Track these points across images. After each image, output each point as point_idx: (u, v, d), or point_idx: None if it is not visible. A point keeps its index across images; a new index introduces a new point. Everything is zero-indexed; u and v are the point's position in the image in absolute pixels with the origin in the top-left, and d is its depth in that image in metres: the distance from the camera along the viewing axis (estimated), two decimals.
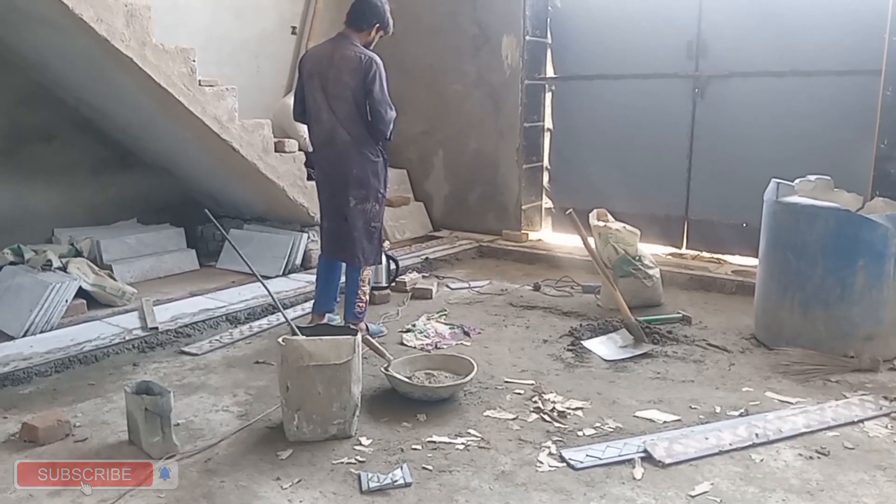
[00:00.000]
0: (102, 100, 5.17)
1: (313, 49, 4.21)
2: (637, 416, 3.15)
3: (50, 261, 4.46)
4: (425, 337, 4.20)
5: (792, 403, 3.26)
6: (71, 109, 5.41)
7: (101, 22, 4.04)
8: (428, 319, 4.51)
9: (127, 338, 3.98)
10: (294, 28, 6.67)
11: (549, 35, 6.49)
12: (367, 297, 4.14)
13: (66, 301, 4.19)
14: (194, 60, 4.60)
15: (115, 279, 4.71)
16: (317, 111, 3.95)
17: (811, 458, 2.78)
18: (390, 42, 7.02)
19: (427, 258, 5.91)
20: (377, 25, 3.98)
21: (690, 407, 3.24)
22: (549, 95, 6.60)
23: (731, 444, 2.85)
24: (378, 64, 3.86)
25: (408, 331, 4.30)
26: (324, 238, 4.19)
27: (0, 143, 5.11)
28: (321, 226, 4.22)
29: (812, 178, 4.14)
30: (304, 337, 3.05)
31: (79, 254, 4.91)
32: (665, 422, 3.09)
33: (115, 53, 4.19)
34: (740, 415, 3.14)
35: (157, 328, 4.12)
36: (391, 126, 3.95)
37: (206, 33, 5.87)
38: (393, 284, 5.06)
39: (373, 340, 3.63)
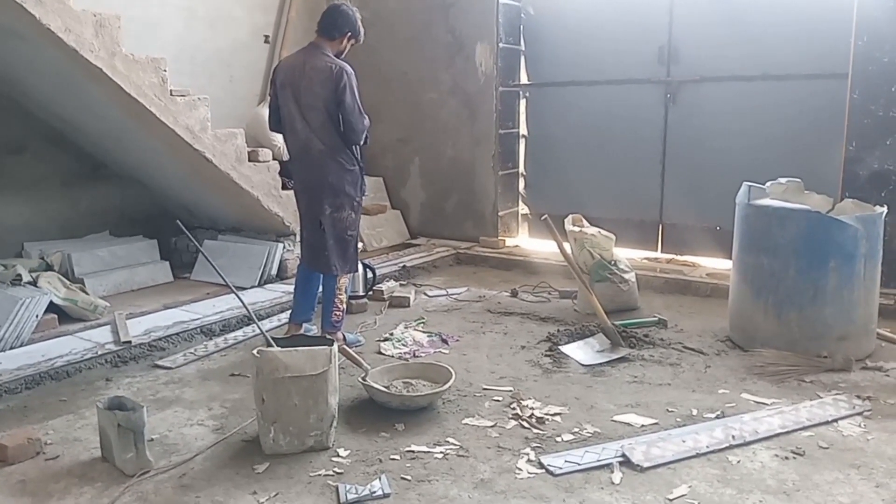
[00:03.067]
0: (73, 111, 5.11)
1: (286, 59, 4.20)
2: (615, 421, 3.16)
3: (20, 275, 4.39)
4: (403, 345, 4.19)
5: (767, 404, 3.29)
6: (41, 122, 5.33)
7: (69, 32, 3.99)
8: (406, 328, 4.49)
9: (99, 352, 3.92)
10: (267, 37, 6.64)
11: (522, 42, 6.53)
12: (345, 305, 4.12)
13: (37, 316, 4.12)
14: (165, 70, 4.56)
15: (87, 293, 4.64)
16: (291, 121, 3.95)
17: (787, 458, 2.81)
18: (365, 50, 7.02)
19: (404, 266, 5.90)
20: (349, 34, 3.98)
21: (667, 410, 3.26)
22: (523, 102, 6.63)
23: (708, 447, 2.86)
24: (349, 73, 3.86)
25: (385, 339, 4.28)
26: (303, 247, 4.18)
27: None
28: (301, 235, 4.20)
29: (783, 180, 4.20)
30: (280, 348, 3.02)
31: (49, 268, 4.84)
32: (643, 425, 3.10)
33: (85, 64, 4.14)
34: (717, 417, 3.16)
35: (130, 342, 4.06)
36: (364, 135, 3.96)
37: (178, 43, 5.82)
38: (370, 293, 5.03)
39: (350, 350, 3.61)
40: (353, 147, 3.99)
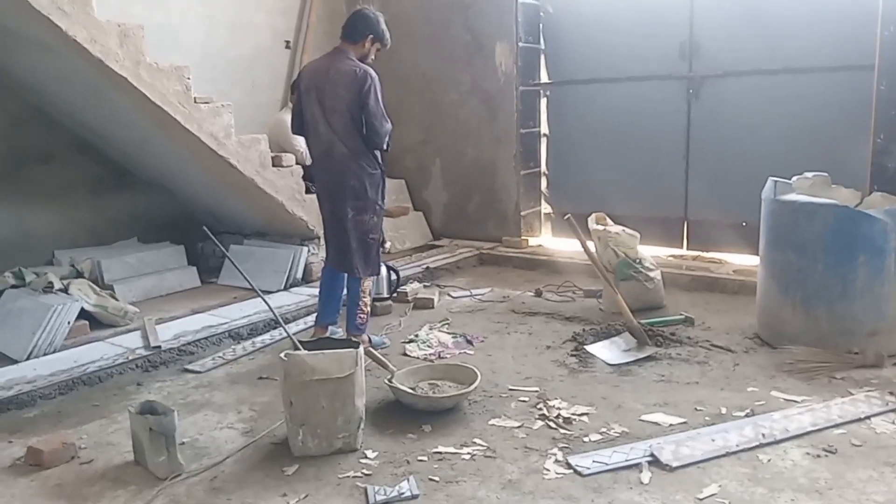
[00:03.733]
0: (99, 120, 5.19)
1: (311, 63, 4.23)
2: (643, 420, 3.14)
3: (51, 283, 4.46)
4: (428, 347, 4.20)
5: (798, 402, 3.25)
6: (68, 130, 5.43)
7: (94, 43, 4.05)
8: (430, 329, 4.51)
9: (130, 357, 3.98)
10: (288, 42, 6.69)
11: (542, 41, 6.51)
12: (369, 308, 4.15)
13: (69, 323, 4.19)
14: (189, 78, 4.61)
15: (116, 299, 4.71)
16: (314, 125, 3.98)
17: (819, 456, 2.77)
18: (384, 53, 7.06)
19: (428, 267, 5.91)
20: (371, 37, 4.00)
21: (696, 409, 3.23)
22: (544, 101, 6.61)
23: (737, 445, 2.84)
24: (373, 77, 3.89)
25: (410, 341, 4.29)
26: (328, 249, 4.24)
27: None
28: (325, 237, 4.24)
29: (809, 174, 4.14)
30: (307, 351, 3.05)
31: (80, 275, 4.91)
32: (671, 425, 3.08)
33: (110, 74, 4.21)
34: (746, 415, 3.13)
35: (159, 347, 4.11)
36: (386, 138, 3.99)
37: (200, 50, 5.90)
38: (394, 295, 5.05)
39: (375, 352, 3.62)
40: (376, 151, 4.01)
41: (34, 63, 4.66)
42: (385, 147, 4.03)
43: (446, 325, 4.60)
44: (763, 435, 2.90)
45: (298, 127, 4.14)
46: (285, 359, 2.91)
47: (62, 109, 5.26)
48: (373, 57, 4.07)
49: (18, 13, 3.86)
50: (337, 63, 3.93)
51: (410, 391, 3.31)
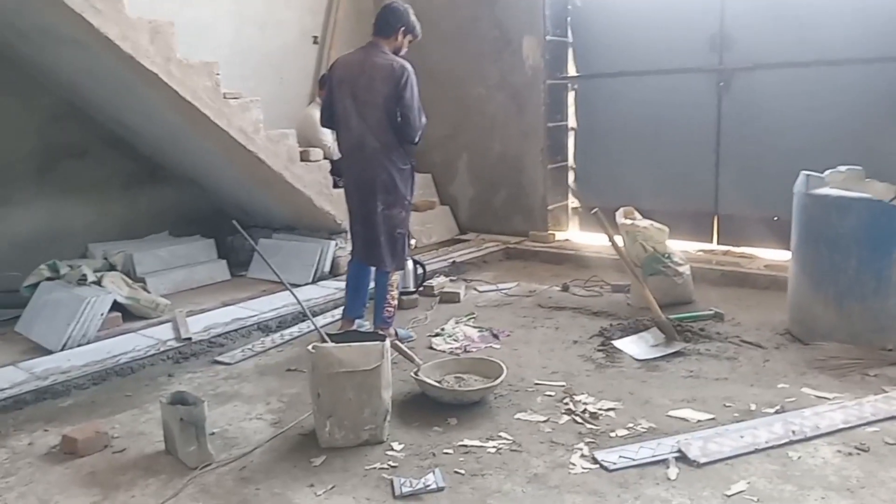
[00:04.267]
0: (131, 116, 5.27)
1: (344, 57, 4.24)
2: (670, 416, 3.12)
3: (85, 275, 4.55)
4: (454, 340, 4.21)
5: (829, 399, 3.20)
6: (101, 126, 5.53)
7: (126, 40, 4.11)
8: (456, 323, 4.51)
9: (161, 349, 4.05)
10: (315, 38, 6.74)
11: (569, 34, 6.46)
12: (396, 302, 4.17)
13: (102, 314, 4.27)
14: (218, 74, 4.67)
15: (148, 292, 4.80)
16: (346, 118, 4.01)
17: (850, 454, 2.73)
18: (411, 47, 7.07)
19: (454, 261, 5.92)
20: (402, 29, 4.03)
21: (725, 405, 3.20)
22: (571, 95, 6.57)
23: (767, 442, 2.80)
24: (410, 71, 3.92)
25: (436, 335, 4.31)
26: (355, 242, 4.25)
27: (34, 161, 5.24)
28: (352, 230, 4.26)
29: (843, 168, 4.04)
30: (334, 344, 3.07)
31: (112, 268, 5.01)
32: (699, 421, 3.05)
33: (141, 70, 4.27)
34: (776, 412, 3.09)
35: (190, 339, 4.18)
36: (420, 132, 4.01)
37: (230, 47, 5.96)
38: (420, 289, 5.07)
39: (402, 345, 3.65)
40: (406, 145, 4.02)
41: (68, 60, 4.75)
42: (416, 141, 4.04)
43: (472, 319, 4.60)
44: (793, 432, 2.86)
45: (328, 120, 4.17)
46: (313, 351, 2.93)
47: (95, 106, 5.35)
48: (405, 49, 4.09)
49: (53, 12, 3.94)
50: (372, 57, 3.96)
51: (436, 384, 3.32)
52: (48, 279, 4.62)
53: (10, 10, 4.30)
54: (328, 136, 5.88)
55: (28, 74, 5.10)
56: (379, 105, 3.90)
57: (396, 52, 4.02)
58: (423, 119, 4.01)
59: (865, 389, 3.29)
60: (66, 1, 3.81)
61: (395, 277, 4.17)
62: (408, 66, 3.93)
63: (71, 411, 3.43)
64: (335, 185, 5.55)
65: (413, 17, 4.07)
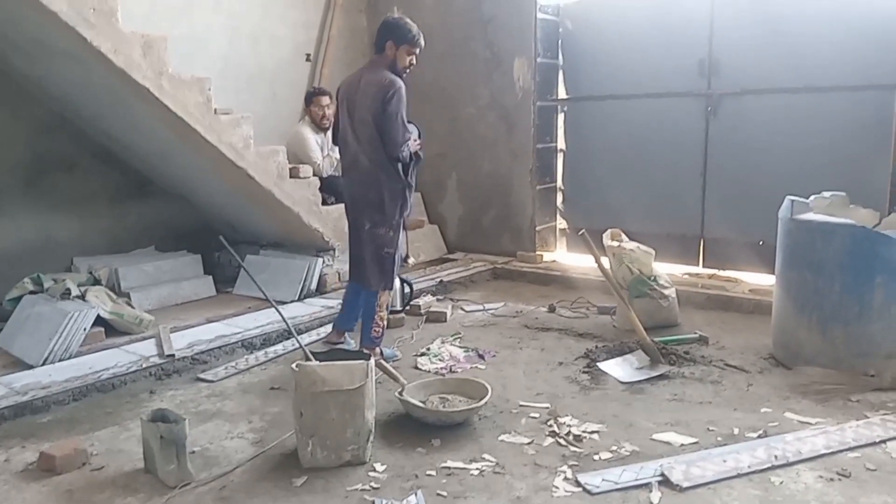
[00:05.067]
0: (121, 129, 5.26)
1: (348, 76, 4.27)
2: (654, 439, 3.11)
3: (69, 289, 4.51)
4: (440, 360, 4.20)
5: (812, 424, 3.21)
6: (91, 139, 5.51)
7: (118, 53, 4.12)
8: (442, 343, 4.50)
9: (144, 365, 4.01)
10: (308, 55, 6.77)
11: (560, 57, 6.53)
12: (385, 322, 4.16)
13: (85, 329, 4.23)
14: (210, 89, 4.67)
15: (132, 307, 4.76)
16: (344, 135, 4.06)
17: (832, 479, 2.73)
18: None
19: (441, 281, 5.91)
20: (390, 43, 3.97)
21: (708, 429, 3.20)
22: (561, 116, 6.62)
23: (749, 467, 2.80)
24: (398, 86, 3.88)
25: (422, 354, 4.29)
26: (349, 259, 4.28)
27: (22, 173, 5.21)
28: (349, 248, 4.29)
29: (827, 194, 4.10)
30: (318, 362, 3.06)
31: (97, 282, 4.96)
32: (682, 444, 3.05)
33: (133, 84, 4.27)
34: (759, 436, 3.10)
35: (173, 355, 4.14)
36: (403, 148, 3.93)
37: (223, 62, 5.98)
38: (407, 308, 5.06)
39: (387, 365, 3.63)
40: (399, 164, 3.98)
41: (60, 73, 4.75)
42: (407, 158, 3.99)
43: (458, 339, 4.59)
44: (776, 457, 2.87)
45: (336, 138, 4.22)
46: (297, 369, 2.92)
47: (86, 119, 5.34)
48: (407, 63, 4.01)
49: (47, 24, 3.94)
50: (368, 74, 3.99)
51: (421, 405, 3.31)
52: (31, 292, 4.58)
53: (4, 21, 4.30)
54: (318, 153, 5.91)
55: (19, 86, 5.10)
56: (369, 122, 3.91)
57: (395, 67, 3.97)
58: (408, 134, 3.94)
59: (847, 415, 3.30)
60: (60, 14, 3.81)
61: (385, 297, 4.15)
62: (397, 81, 3.89)
63: (50, 427, 3.39)
64: (324, 203, 5.56)
65: (406, 28, 3.97)
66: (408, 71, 4.03)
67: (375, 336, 4.09)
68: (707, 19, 5.63)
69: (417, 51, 4.03)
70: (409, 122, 4.03)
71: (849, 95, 5.14)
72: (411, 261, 5.89)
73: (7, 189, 5.15)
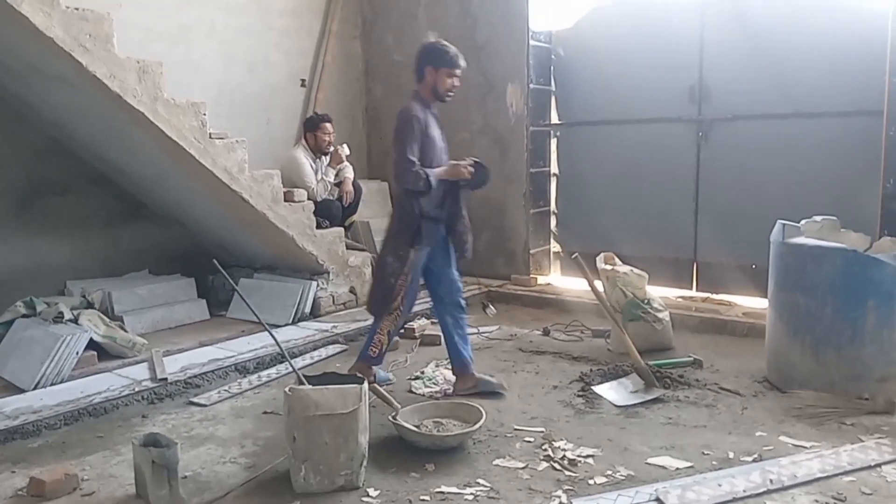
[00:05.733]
0: (116, 153, 5.28)
1: None
2: (649, 464, 3.10)
3: (62, 313, 4.49)
4: (434, 384, 4.18)
5: (806, 448, 3.21)
6: (85, 163, 5.52)
7: (113, 78, 4.15)
8: (437, 366, 4.49)
9: (136, 389, 3.99)
10: (303, 81, 6.83)
11: (552, 83, 6.60)
12: (384, 346, 4.05)
13: (77, 353, 4.21)
14: (205, 114, 4.70)
15: (125, 330, 4.74)
16: None
17: (827, 503, 2.73)
18: (397, 93, 7.20)
19: None
20: (428, 68, 3.83)
21: (703, 453, 3.19)
22: (554, 141, 6.68)
23: (745, 491, 2.79)
24: (408, 112, 3.78)
25: (416, 378, 4.28)
26: None
27: (16, 196, 5.22)
28: None
29: (818, 218, 4.12)
30: (311, 386, 3.04)
31: (90, 305, 4.95)
32: (677, 468, 3.05)
33: (128, 108, 4.29)
34: (754, 460, 3.09)
35: (166, 379, 4.12)
36: (407, 177, 3.73)
37: (218, 87, 6.03)
38: (401, 331, 5.04)
39: (380, 388, 3.62)
40: (412, 193, 3.81)
41: (55, 97, 4.77)
42: (420, 187, 3.74)
43: None
44: (771, 481, 2.86)
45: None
46: (289, 393, 2.91)
47: (80, 143, 5.36)
48: (448, 85, 3.85)
49: (42, 49, 3.98)
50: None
51: (414, 429, 3.29)
52: (24, 316, 4.56)
53: (1, 47, 4.34)
54: (312, 177, 5.93)
55: (14, 109, 5.12)
56: (392, 152, 3.89)
57: (437, 92, 3.84)
58: (406, 163, 3.71)
59: (842, 438, 3.30)
60: (56, 40, 3.84)
61: (388, 321, 4.00)
62: (407, 108, 3.79)
63: (41, 452, 3.36)
64: (319, 226, 5.57)
65: (443, 51, 3.82)
66: (451, 94, 3.89)
67: (371, 355, 4.04)
68: (697, 46, 5.72)
69: (458, 72, 3.86)
70: (476, 162, 3.94)
71: (838, 121, 5.21)
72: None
73: (0, 213, 5.14)
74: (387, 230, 4.07)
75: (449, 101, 3.92)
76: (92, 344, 4.38)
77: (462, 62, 3.87)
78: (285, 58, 6.65)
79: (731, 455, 3.15)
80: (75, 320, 4.49)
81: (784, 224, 4.01)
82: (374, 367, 4.09)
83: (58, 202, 5.43)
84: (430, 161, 3.83)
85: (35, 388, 3.96)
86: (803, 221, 4.08)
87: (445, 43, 3.90)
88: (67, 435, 3.55)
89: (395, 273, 3.91)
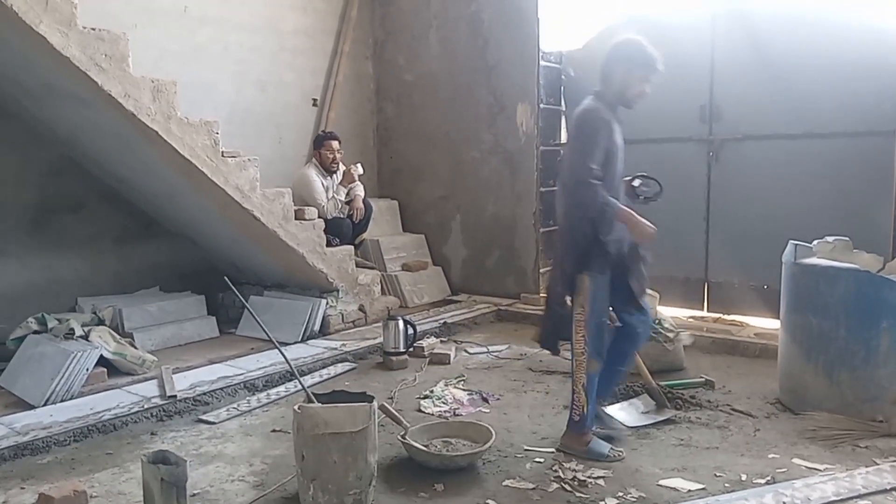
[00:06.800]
0: (129, 171, 5.33)
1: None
2: (660, 485, 3.07)
3: (73, 329, 4.51)
4: (443, 403, 4.16)
5: (820, 470, 3.17)
6: (98, 181, 5.57)
7: (128, 97, 4.19)
8: (446, 385, 4.47)
9: (145, 406, 3.99)
10: (315, 100, 6.88)
11: (563, 103, 6.62)
12: (585, 406, 3.34)
13: (87, 370, 4.22)
14: (217, 132, 4.74)
15: (135, 347, 4.75)
16: None
17: None
18: (410, 114, 7.26)
19: (445, 322, 5.90)
20: (621, 68, 3.36)
21: (715, 475, 3.16)
22: None
23: None
24: (595, 113, 3.31)
25: (425, 397, 4.26)
26: None
27: (30, 214, 5.26)
28: None
29: (830, 239, 4.10)
30: (320, 404, 3.04)
31: (101, 322, 4.97)
32: (689, 491, 3.01)
33: (142, 127, 4.34)
34: (767, 482, 3.05)
35: (175, 396, 4.12)
36: (579, 185, 3.21)
37: (230, 107, 6.08)
38: (410, 349, 5.04)
39: (389, 407, 3.60)
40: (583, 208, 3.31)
41: (70, 116, 4.83)
42: (590, 207, 3.24)
43: (462, 382, 4.56)
44: (784, 503, 2.83)
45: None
46: (298, 411, 2.90)
47: (94, 160, 5.41)
48: (638, 91, 3.42)
49: (58, 68, 4.03)
50: None
51: (424, 448, 3.28)
52: (35, 332, 4.59)
53: (16, 66, 4.40)
54: (323, 195, 5.97)
55: (29, 128, 5.18)
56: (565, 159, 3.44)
57: (625, 97, 3.39)
58: (586, 172, 3.19)
59: (856, 461, 3.26)
60: (73, 59, 3.90)
61: (579, 370, 3.32)
62: (593, 107, 3.32)
63: (50, 468, 3.36)
64: (329, 244, 5.59)
65: (637, 49, 3.36)
66: (639, 101, 3.45)
67: (574, 420, 3.36)
68: (708, 65, 5.73)
69: (654, 78, 3.40)
70: (644, 175, 3.58)
71: (849, 141, 5.19)
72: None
73: (14, 229, 5.19)
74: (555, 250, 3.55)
75: (634, 108, 3.43)
76: (102, 360, 4.40)
77: (661, 66, 3.35)
78: (297, 77, 6.70)
79: (744, 477, 3.12)
80: (86, 337, 4.51)
81: (796, 244, 3.99)
82: (587, 435, 3.38)
83: (71, 219, 5.47)
84: (611, 176, 3.34)
85: (45, 405, 3.97)
86: (815, 242, 4.06)
87: (644, 42, 3.36)
88: (77, 451, 3.55)
89: (557, 298, 3.39)
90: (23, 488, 3.13)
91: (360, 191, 6.22)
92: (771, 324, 5.22)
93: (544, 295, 3.60)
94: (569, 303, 3.33)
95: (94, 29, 4.00)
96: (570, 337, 3.31)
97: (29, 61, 4.23)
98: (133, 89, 4.22)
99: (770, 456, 3.34)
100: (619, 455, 3.34)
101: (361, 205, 6.15)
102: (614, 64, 3.37)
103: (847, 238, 4.13)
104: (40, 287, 5.26)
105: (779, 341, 4.13)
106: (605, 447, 3.36)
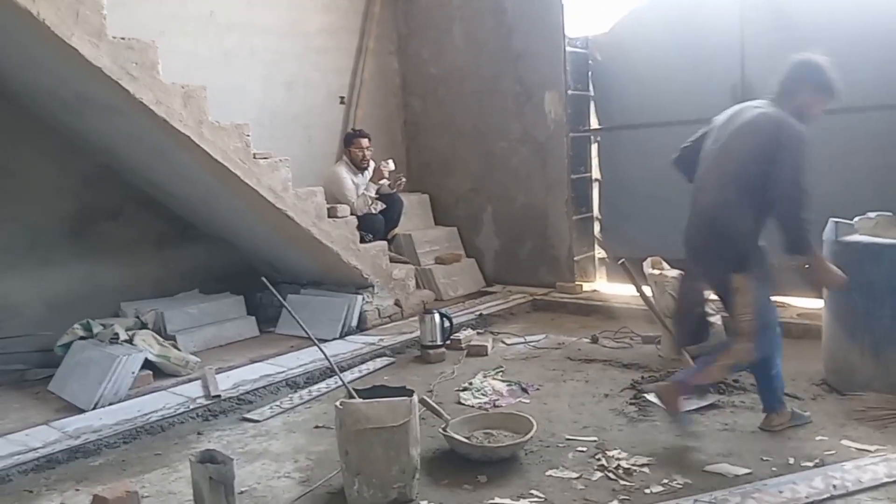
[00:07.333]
0: (164, 177, 5.42)
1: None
2: (706, 471, 3.04)
3: (117, 334, 4.62)
4: (482, 395, 4.17)
5: (871, 451, 3.10)
6: (134, 188, 5.68)
7: (160, 104, 4.26)
8: (484, 377, 4.48)
9: (191, 407, 4.07)
10: (342, 98, 6.92)
11: (591, 88, 6.56)
12: (714, 380, 3.54)
13: (133, 373, 4.31)
14: (248, 135, 4.80)
15: (178, 349, 4.84)
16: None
17: None
18: (437, 107, 7.26)
19: (481, 314, 5.90)
20: (807, 87, 3.51)
21: (762, 459, 3.11)
22: (594, 146, 6.63)
23: (807, 497, 2.72)
24: (802, 133, 3.36)
25: (464, 389, 4.27)
26: None
27: (71, 223, 5.38)
28: None
29: (872, 214, 4.00)
30: (362, 400, 3.06)
31: (144, 326, 5.07)
32: (736, 476, 2.97)
33: (174, 133, 4.40)
34: (816, 465, 3.00)
35: (219, 396, 4.19)
36: (802, 204, 3.36)
37: (259, 108, 6.14)
38: (448, 342, 5.05)
39: (430, 400, 3.62)
40: (745, 213, 3.50)
41: (104, 125, 4.92)
42: (803, 235, 3.39)
43: (500, 373, 4.56)
44: (834, 486, 2.78)
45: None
46: (340, 407, 2.93)
47: (129, 168, 5.51)
48: (816, 112, 3.53)
49: (92, 79, 4.10)
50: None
51: (465, 440, 3.29)
52: (81, 338, 4.70)
53: (54, 80, 4.50)
54: (353, 192, 6.00)
55: (66, 139, 5.29)
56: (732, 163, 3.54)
57: (803, 114, 3.44)
58: (808, 199, 3.34)
59: None
60: (104, 69, 3.97)
61: (730, 357, 3.35)
62: (796, 124, 3.33)
63: (102, 470, 3.44)
64: (362, 240, 5.62)
65: (825, 75, 3.50)
66: (812, 121, 3.50)
67: (687, 381, 3.39)
68: (738, 43, 5.62)
69: (832, 103, 3.54)
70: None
71: (889, 114, 5.05)
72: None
73: (57, 238, 5.32)
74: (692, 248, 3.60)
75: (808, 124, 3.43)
76: (147, 363, 4.49)
77: (841, 93, 3.49)
78: (324, 77, 6.74)
79: (792, 461, 3.07)
80: (130, 341, 4.61)
81: (837, 222, 3.90)
82: (683, 398, 3.38)
83: (110, 226, 5.59)
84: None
85: (94, 408, 4.07)
86: (857, 218, 3.97)
87: (829, 67, 3.51)
88: (126, 453, 3.64)
89: (700, 303, 3.57)
90: (77, 490, 3.22)
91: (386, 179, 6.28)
92: (814, 304, 5.11)
93: (676, 296, 3.66)
94: (708, 300, 3.39)
95: (123, 38, 4.07)
96: (707, 337, 3.40)
97: (63, 74, 4.31)
98: (164, 96, 4.28)
99: (818, 438, 3.29)
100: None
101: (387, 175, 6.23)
102: (800, 84, 3.48)
103: (890, 213, 4.02)
104: (84, 294, 5.38)
105: (822, 321, 4.05)
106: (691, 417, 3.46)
